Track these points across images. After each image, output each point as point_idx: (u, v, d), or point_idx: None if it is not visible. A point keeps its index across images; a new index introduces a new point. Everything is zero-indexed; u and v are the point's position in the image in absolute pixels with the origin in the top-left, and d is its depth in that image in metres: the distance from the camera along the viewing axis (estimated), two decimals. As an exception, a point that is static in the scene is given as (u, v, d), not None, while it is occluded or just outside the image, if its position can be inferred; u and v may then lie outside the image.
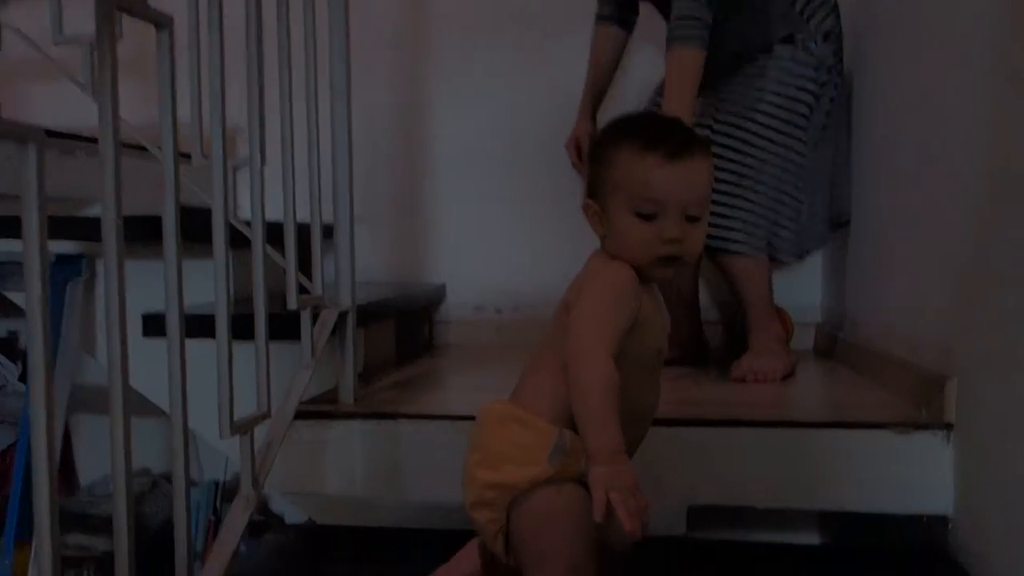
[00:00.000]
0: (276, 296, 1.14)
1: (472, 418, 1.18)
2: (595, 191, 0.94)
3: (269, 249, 1.32)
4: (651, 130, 0.93)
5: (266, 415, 1.03)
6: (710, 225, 1.17)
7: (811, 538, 1.40)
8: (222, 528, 0.96)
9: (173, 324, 0.85)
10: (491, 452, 0.92)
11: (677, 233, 0.89)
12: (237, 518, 0.97)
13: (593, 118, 1.83)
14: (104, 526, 1.91)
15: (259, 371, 1.05)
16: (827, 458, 1.19)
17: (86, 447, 2.22)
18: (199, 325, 1.00)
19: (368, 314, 1.58)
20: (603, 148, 0.93)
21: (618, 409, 0.84)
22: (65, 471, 2.15)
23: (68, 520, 1.92)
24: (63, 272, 1.59)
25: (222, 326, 0.95)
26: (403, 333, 1.95)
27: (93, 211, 1.71)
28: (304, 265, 1.23)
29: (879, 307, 1.59)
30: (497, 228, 2.18)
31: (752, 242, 1.59)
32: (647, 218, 0.89)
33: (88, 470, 2.21)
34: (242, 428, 0.97)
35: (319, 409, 1.28)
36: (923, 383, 1.26)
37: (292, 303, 1.14)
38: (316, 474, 1.27)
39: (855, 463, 1.18)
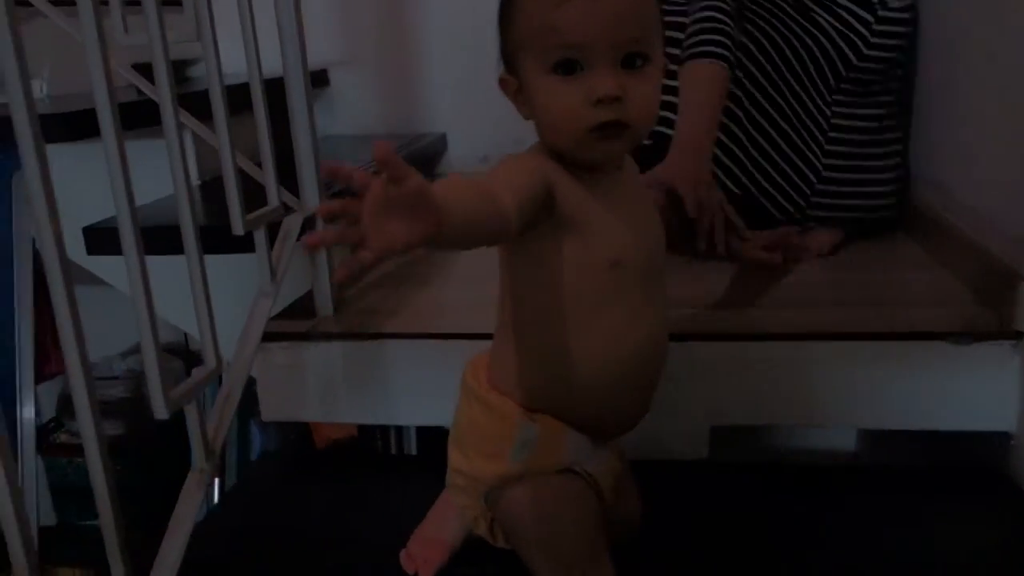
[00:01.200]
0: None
1: (468, 336, 1.04)
2: (508, 61, 0.72)
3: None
4: None
5: (214, 372, 0.88)
6: None
7: (848, 458, 1.28)
8: (175, 512, 0.84)
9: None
10: (460, 430, 0.78)
11: (610, 86, 0.65)
12: (191, 498, 0.86)
13: None
14: (111, 410, 1.85)
15: (199, 317, 0.89)
16: (870, 370, 1.03)
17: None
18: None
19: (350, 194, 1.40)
20: (505, 4, 0.71)
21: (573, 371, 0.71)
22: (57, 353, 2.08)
23: (69, 406, 1.87)
24: (6, 161, 1.42)
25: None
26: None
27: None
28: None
29: (947, 169, 1.36)
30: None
31: None
32: (568, 74, 0.66)
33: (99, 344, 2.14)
34: (184, 396, 0.83)
35: (292, 331, 1.13)
36: (991, 276, 1.07)
37: (237, 226, 0.96)
38: (296, 399, 1.14)
39: (904, 375, 1.02)
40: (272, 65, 1.10)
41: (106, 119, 0.74)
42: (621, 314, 0.73)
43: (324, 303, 1.18)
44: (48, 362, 1.79)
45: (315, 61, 1.94)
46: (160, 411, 0.80)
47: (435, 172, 1.98)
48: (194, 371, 0.87)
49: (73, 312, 0.70)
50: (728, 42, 1.21)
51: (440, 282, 1.34)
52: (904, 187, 1.41)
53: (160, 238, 0.93)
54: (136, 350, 1.95)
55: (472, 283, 1.28)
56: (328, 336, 1.12)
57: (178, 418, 0.84)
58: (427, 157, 1.89)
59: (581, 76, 0.66)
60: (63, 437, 1.86)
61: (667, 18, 1.22)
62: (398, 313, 1.20)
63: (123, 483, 0.77)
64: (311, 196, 1.15)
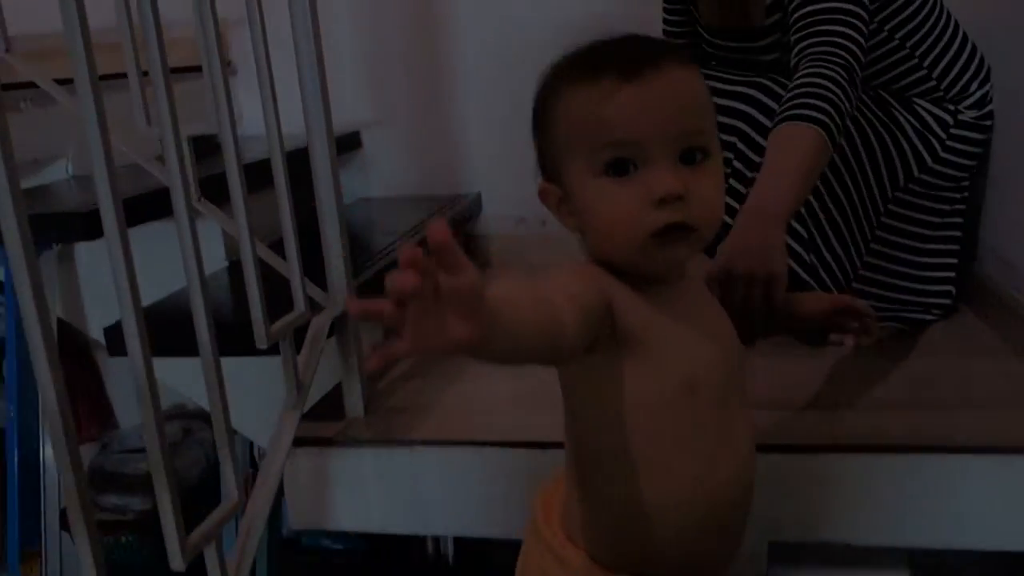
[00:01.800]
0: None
1: (506, 444, 0.97)
2: (548, 169, 0.65)
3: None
4: (591, 52, 0.63)
5: (234, 509, 0.82)
6: None
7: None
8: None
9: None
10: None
11: (671, 184, 0.58)
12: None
13: None
14: (139, 484, 1.80)
15: (219, 446, 0.83)
16: (930, 485, 0.94)
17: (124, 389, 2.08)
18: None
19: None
20: (541, 104, 0.64)
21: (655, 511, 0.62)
22: (101, 415, 2.05)
23: (101, 480, 1.83)
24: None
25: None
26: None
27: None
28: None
29: (1011, 235, 1.27)
30: (536, 125, 1.86)
31: None
32: (621, 175, 0.59)
33: (129, 413, 2.10)
34: (204, 539, 0.77)
35: (320, 435, 1.07)
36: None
37: (260, 339, 0.90)
38: (324, 506, 1.08)
39: (968, 490, 0.93)
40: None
41: (109, 220, 0.69)
42: (702, 450, 0.64)
43: (354, 404, 1.12)
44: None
45: (347, 122, 1.93)
46: (176, 562, 0.74)
47: (469, 232, 1.92)
48: (214, 512, 0.80)
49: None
50: (835, 113, 0.99)
51: (478, 371, 1.27)
52: (959, 285, 1.32)
53: (181, 336, 0.87)
54: (168, 418, 1.91)
55: (513, 373, 1.21)
56: (358, 442, 1.06)
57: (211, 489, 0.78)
58: (463, 219, 1.83)
59: (636, 176, 0.59)
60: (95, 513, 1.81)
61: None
62: (433, 411, 1.13)
63: (148, 561, 0.70)
64: (340, 290, 1.09)
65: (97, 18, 0.94)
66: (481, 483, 1.02)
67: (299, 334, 1.03)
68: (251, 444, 1.88)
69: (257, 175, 0.99)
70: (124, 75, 1.18)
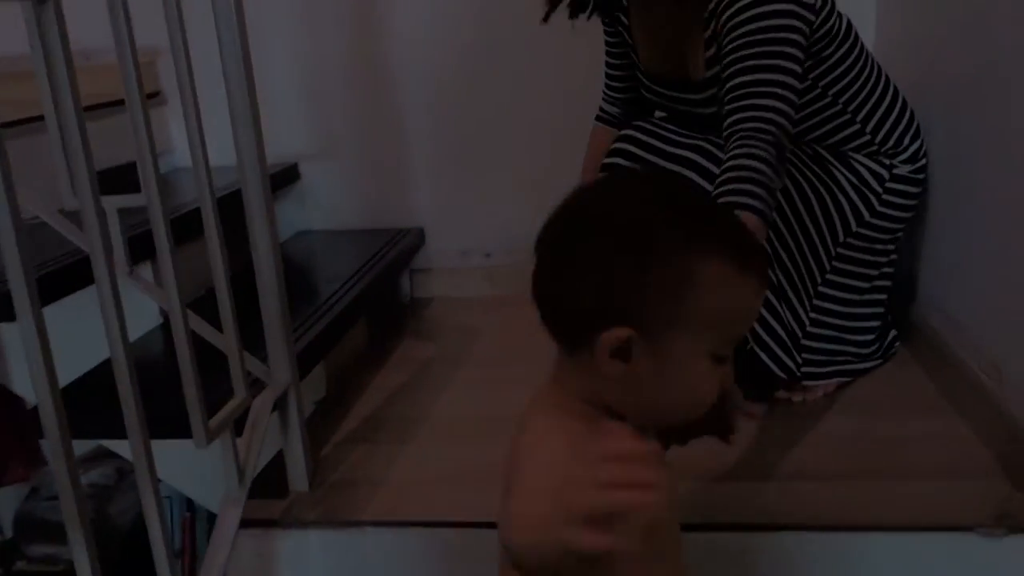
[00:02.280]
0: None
1: (459, 525, 0.95)
2: (638, 314, 0.57)
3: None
4: (735, 235, 0.61)
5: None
6: None
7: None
8: None
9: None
10: None
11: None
12: None
13: None
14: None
15: (156, 558, 0.79)
16: (883, 565, 0.95)
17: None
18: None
19: (329, 335, 1.30)
20: (667, 252, 0.57)
21: None
22: (29, 454, 1.96)
23: (29, 529, 1.75)
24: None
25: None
26: (376, 323, 1.68)
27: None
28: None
29: (958, 294, 1.29)
30: (480, 157, 1.83)
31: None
32: (720, 362, 0.60)
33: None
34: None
35: (263, 516, 1.03)
36: (1017, 446, 1.00)
37: (199, 438, 0.86)
38: (269, 591, 1.04)
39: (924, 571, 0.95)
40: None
41: (23, 305, 0.65)
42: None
43: (298, 478, 1.08)
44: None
45: (285, 154, 1.87)
46: None
47: (412, 267, 1.89)
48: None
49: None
50: (767, 194, 1.01)
51: (428, 435, 1.25)
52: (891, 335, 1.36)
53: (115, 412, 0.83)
54: (98, 457, 1.84)
55: (472, 439, 1.19)
56: (303, 523, 1.03)
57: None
58: (405, 253, 1.80)
59: (724, 366, 0.61)
60: (22, 564, 1.74)
61: None
62: (382, 484, 1.10)
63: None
64: (282, 367, 1.05)
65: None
66: (438, 567, 1.00)
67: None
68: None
69: (196, 219, 0.94)
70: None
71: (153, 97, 1.80)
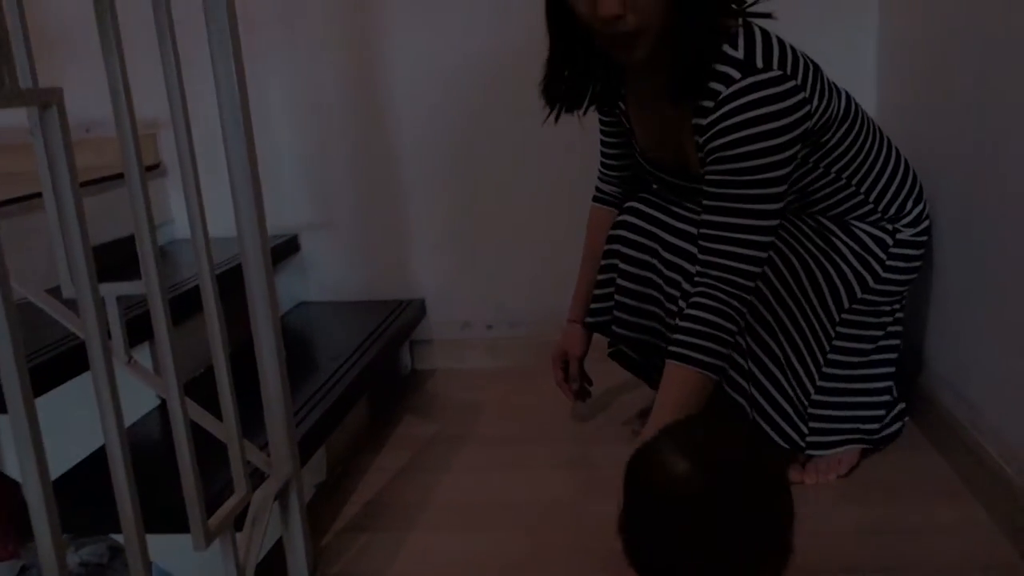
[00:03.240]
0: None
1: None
2: None
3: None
4: None
5: None
6: None
7: None
8: None
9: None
10: None
11: None
12: None
13: (587, 327, 1.40)
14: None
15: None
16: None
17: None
18: None
19: (332, 418, 1.28)
20: None
21: None
22: (19, 530, 1.91)
23: (16, 613, 1.69)
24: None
25: None
26: (377, 397, 1.65)
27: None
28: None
29: (969, 373, 1.27)
30: (482, 229, 1.83)
31: None
32: None
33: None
34: None
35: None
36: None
37: (198, 540, 0.83)
38: None
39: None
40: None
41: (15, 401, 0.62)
42: None
43: (299, 569, 1.05)
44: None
45: (286, 225, 1.87)
46: None
47: (413, 338, 1.87)
48: None
49: None
50: (723, 348, 1.10)
51: (429, 519, 1.21)
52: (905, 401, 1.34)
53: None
54: (88, 539, 1.79)
55: (477, 525, 1.16)
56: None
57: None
58: (406, 326, 1.78)
59: None
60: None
61: None
62: (385, 574, 1.07)
63: None
64: (284, 457, 1.03)
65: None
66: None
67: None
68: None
69: (196, 297, 0.92)
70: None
71: (153, 169, 1.80)
